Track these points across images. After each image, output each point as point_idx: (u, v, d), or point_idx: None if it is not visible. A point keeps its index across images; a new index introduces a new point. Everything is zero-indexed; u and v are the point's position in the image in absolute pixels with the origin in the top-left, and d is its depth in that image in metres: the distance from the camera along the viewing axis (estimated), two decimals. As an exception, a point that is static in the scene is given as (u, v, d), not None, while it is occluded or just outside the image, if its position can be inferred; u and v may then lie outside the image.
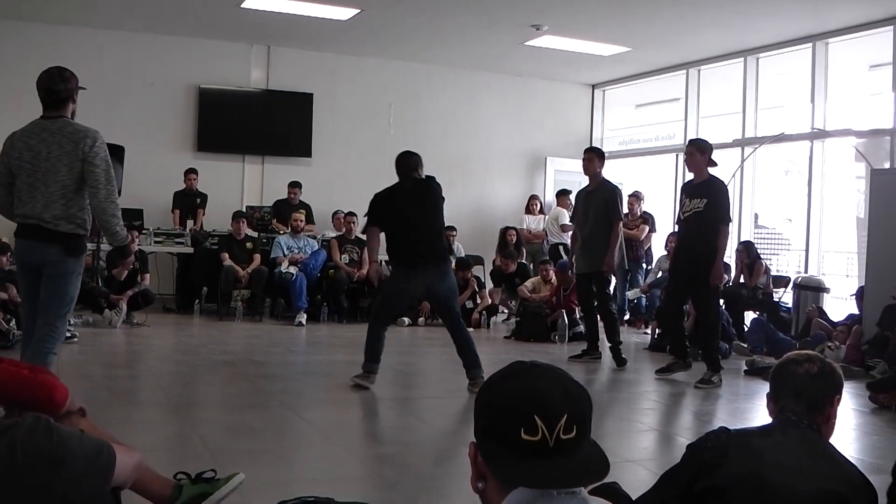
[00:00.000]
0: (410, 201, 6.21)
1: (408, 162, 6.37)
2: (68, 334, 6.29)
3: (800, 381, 2.27)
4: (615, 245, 7.69)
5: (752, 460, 2.08)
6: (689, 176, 7.21)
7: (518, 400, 1.36)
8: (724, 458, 2.10)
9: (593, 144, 14.12)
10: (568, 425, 1.35)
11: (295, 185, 11.57)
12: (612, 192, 7.77)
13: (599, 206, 7.67)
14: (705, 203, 6.81)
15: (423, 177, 6.33)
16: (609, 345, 7.84)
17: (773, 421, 2.29)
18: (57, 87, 4.52)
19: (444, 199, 6.32)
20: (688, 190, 7.09)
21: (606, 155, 13.75)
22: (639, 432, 5.49)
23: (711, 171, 6.98)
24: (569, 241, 10.29)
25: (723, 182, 7.11)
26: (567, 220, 11.39)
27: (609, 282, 8.06)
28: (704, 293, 6.96)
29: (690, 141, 7.27)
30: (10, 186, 4.40)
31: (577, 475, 1.38)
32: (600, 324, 8.04)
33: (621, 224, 7.99)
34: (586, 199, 7.87)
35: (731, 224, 7.11)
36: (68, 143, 4.34)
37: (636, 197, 11.79)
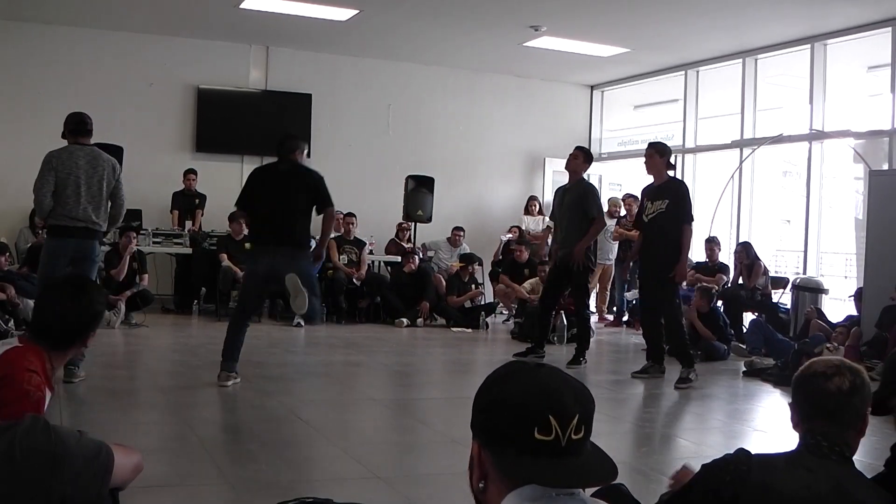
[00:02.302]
0: (279, 183, 6.19)
1: (286, 144, 6.31)
2: None
3: (832, 399, 2.07)
4: (589, 239, 7.71)
5: (773, 500, 1.97)
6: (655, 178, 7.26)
7: (532, 399, 1.35)
8: (742, 494, 1.99)
9: (592, 145, 14.15)
10: (578, 425, 1.36)
11: None
12: (588, 188, 7.82)
13: (574, 201, 7.69)
14: (667, 204, 6.93)
15: (301, 163, 6.30)
16: (577, 343, 7.90)
17: (799, 444, 2.13)
18: (87, 120, 5.95)
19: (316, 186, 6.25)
20: (649, 192, 7.20)
21: (605, 156, 14.06)
22: (635, 433, 5.49)
23: (669, 173, 7.15)
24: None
25: (683, 182, 7.28)
26: None
27: (586, 280, 8.02)
28: (666, 291, 7.00)
29: (650, 144, 7.33)
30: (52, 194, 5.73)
31: (592, 474, 1.38)
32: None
33: (606, 221, 8.09)
34: (563, 196, 7.87)
35: (693, 223, 7.13)
36: (109, 168, 5.86)
37: (634, 198, 11.78)
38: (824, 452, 2.05)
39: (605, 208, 10.53)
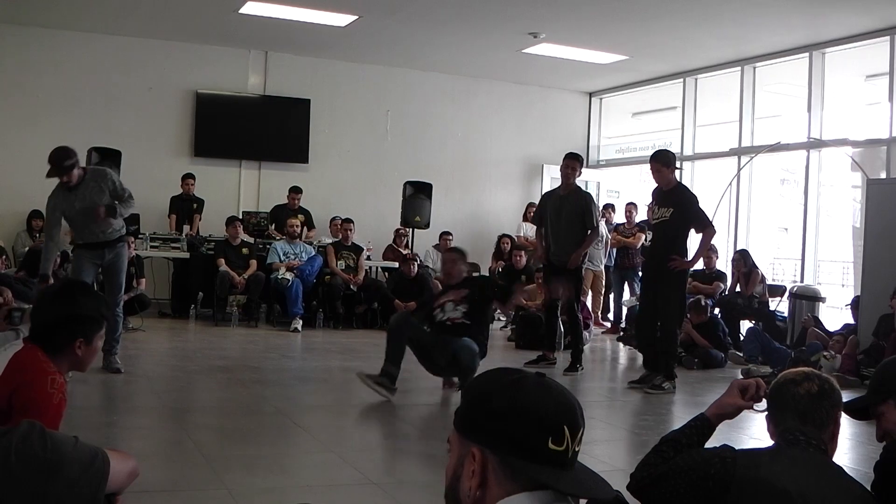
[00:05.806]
0: None
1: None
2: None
3: (802, 402, 2.20)
4: (584, 248, 7.77)
5: (762, 491, 2.02)
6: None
7: (550, 409, 1.36)
8: (728, 489, 2.04)
9: (590, 152, 14.15)
10: (580, 438, 1.38)
11: (296, 191, 11.56)
12: (589, 200, 7.87)
13: (575, 212, 7.70)
14: (671, 212, 6.89)
15: None
16: (572, 349, 7.91)
17: (777, 442, 2.21)
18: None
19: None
20: (656, 196, 7.18)
21: (603, 163, 14.07)
22: (630, 440, 5.48)
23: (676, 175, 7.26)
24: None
25: (688, 189, 7.28)
26: None
27: (581, 284, 8.13)
28: (669, 300, 6.94)
29: (651, 157, 7.27)
30: None
31: (595, 487, 1.39)
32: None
33: (601, 233, 8.15)
34: (559, 202, 7.85)
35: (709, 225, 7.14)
36: None
37: (634, 206, 11.79)
38: (803, 445, 2.14)
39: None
